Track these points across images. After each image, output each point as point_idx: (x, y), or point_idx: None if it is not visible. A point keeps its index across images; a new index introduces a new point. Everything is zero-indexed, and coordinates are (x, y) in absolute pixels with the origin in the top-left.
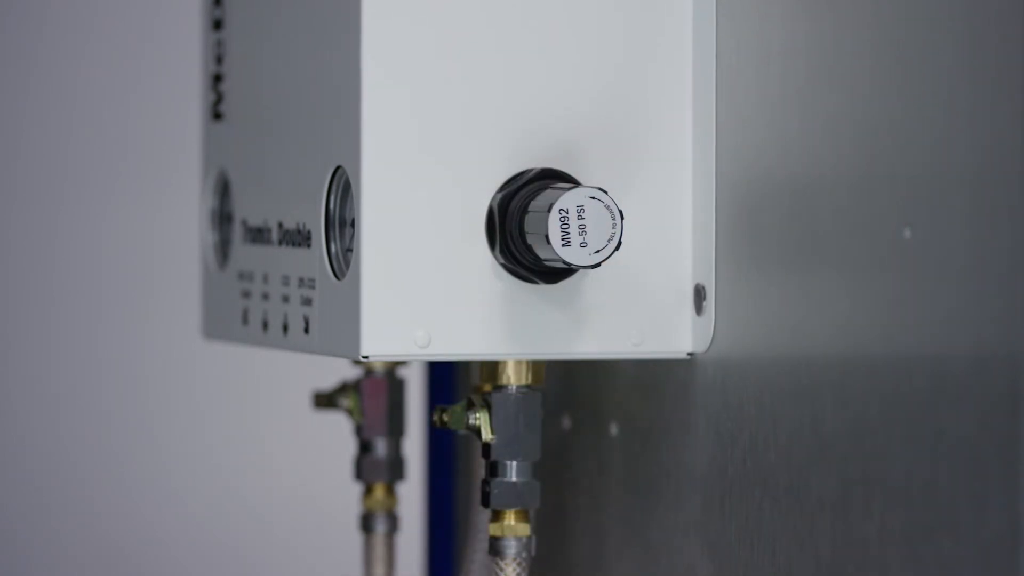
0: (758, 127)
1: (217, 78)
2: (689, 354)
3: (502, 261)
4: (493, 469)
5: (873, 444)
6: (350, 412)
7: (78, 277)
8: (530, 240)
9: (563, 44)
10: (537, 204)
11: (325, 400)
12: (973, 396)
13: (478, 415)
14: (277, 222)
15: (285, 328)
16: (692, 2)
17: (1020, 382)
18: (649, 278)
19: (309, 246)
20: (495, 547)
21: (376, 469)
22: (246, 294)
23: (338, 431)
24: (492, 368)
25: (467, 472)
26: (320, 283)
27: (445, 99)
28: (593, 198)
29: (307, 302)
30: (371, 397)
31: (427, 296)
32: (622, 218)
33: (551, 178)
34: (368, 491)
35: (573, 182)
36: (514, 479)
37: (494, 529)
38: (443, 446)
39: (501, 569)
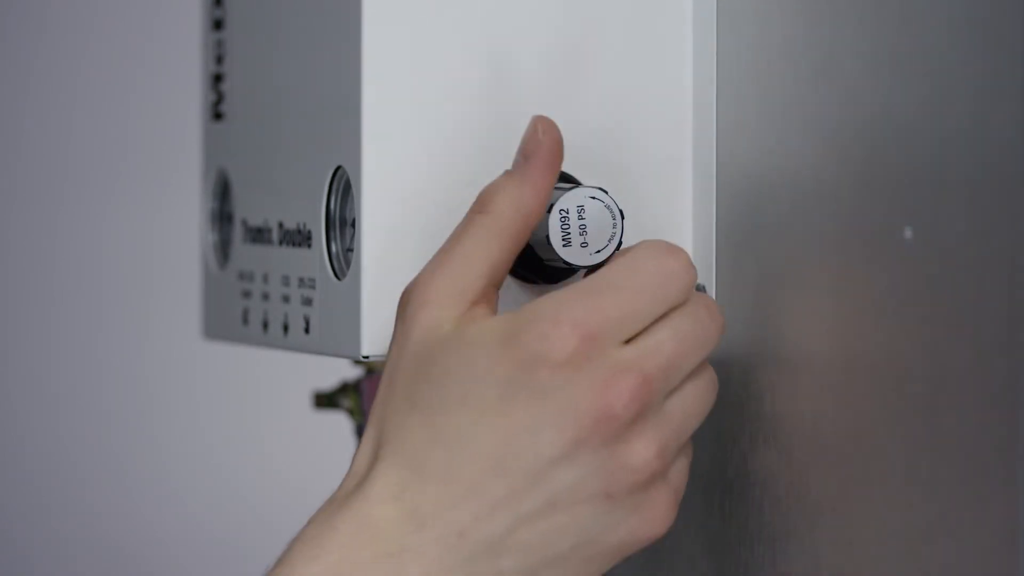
0: (758, 127)
1: (217, 78)
2: None
3: None
4: None
5: (873, 444)
6: (350, 412)
7: (78, 277)
8: (531, 240)
9: (563, 45)
10: None
11: (325, 400)
12: (973, 396)
13: None
14: (277, 222)
15: (285, 328)
16: (692, 2)
17: (1020, 382)
18: None
19: (309, 246)
20: None
21: None
22: (246, 294)
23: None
24: None
25: None
26: (320, 283)
27: (445, 99)
28: (594, 198)
29: (307, 302)
30: (371, 397)
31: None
32: (623, 218)
33: None
34: None
35: (573, 182)
36: None
37: None
38: None
39: None
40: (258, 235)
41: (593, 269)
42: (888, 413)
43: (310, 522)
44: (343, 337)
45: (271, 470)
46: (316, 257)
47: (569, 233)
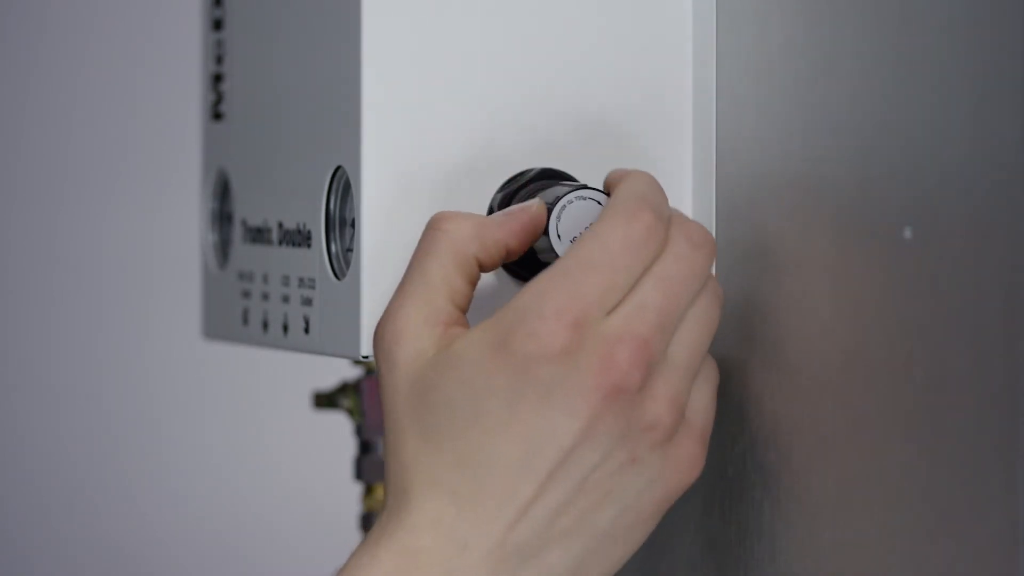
0: (758, 127)
1: (217, 78)
2: None
3: None
4: None
5: (873, 444)
6: (350, 412)
7: (78, 277)
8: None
9: (563, 45)
10: None
11: (325, 400)
12: (973, 395)
13: None
14: (277, 222)
15: (285, 328)
16: (692, 2)
17: (1020, 382)
18: None
19: (309, 246)
20: None
21: (376, 469)
22: (246, 294)
23: (338, 431)
24: None
25: None
26: (320, 283)
27: (444, 99)
28: (593, 199)
29: (307, 302)
30: (371, 397)
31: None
32: None
33: (551, 178)
34: (368, 491)
35: (573, 182)
36: None
37: None
38: None
39: None
40: (258, 235)
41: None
42: (888, 413)
43: (351, 559)
44: (343, 337)
45: (271, 470)
46: (316, 257)
47: (568, 233)
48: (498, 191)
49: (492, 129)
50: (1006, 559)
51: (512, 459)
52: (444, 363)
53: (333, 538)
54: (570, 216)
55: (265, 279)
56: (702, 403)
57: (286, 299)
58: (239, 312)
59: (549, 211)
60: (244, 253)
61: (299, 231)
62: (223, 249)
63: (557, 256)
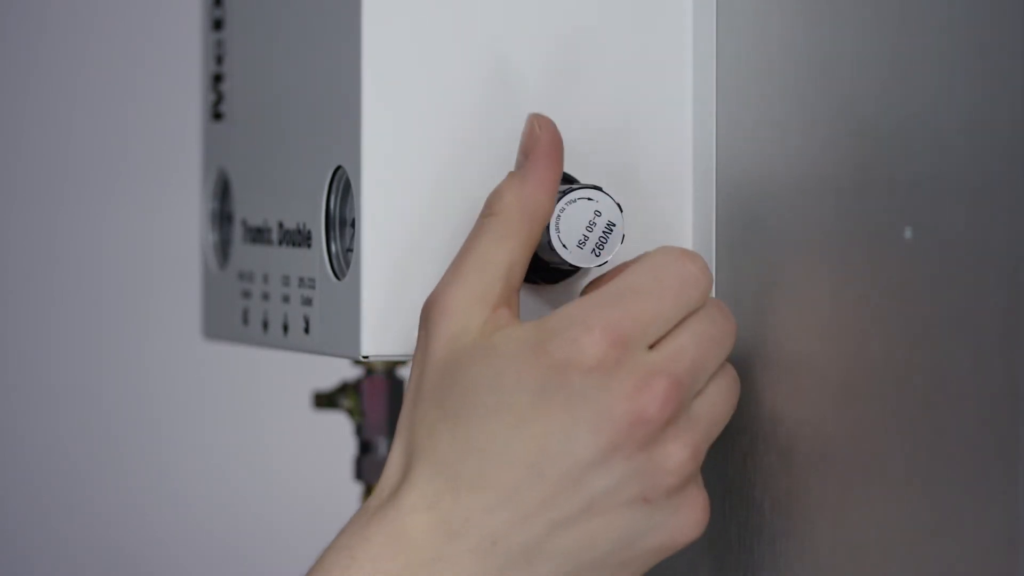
0: (758, 127)
1: (217, 78)
2: None
3: None
4: None
5: (873, 444)
6: (350, 412)
7: (78, 277)
8: None
9: (563, 45)
10: None
11: (325, 400)
12: (973, 396)
13: None
14: (277, 222)
15: (285, 328)
16: (692, 2)
17: (1020, 382)
18: None
19: (309, 246)
20: None
21: (376, 469)
22: (246, 294)
23: (338, 431)
24: None
25: None
26: (320, 283)
27: (445, 99)
28: (592, 199)
29: (307, 302)
30: (371, 397)
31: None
32: (622, 216)
33: None
34: (368, 491)
35: (573, 182)
36: None
37: None
38: None
39: None
40: (258, 235)
41: (603, 277)
42: (888, 413)
43: (342, 532)
44: (343, 337)
45: (271, 470)
46: (316, 257)
47: (569, 233)
48: None
49: (492, 129)
50: (1006, 559)
51: (523, 459)
52: (481, 350)
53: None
54: (569, 219)
55: (265, 279)
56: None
57: (286, 299)
58: (239, 312)
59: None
60: (244, 253)
61: (299, 231)
62: (223, 249)
63: (560, 259)
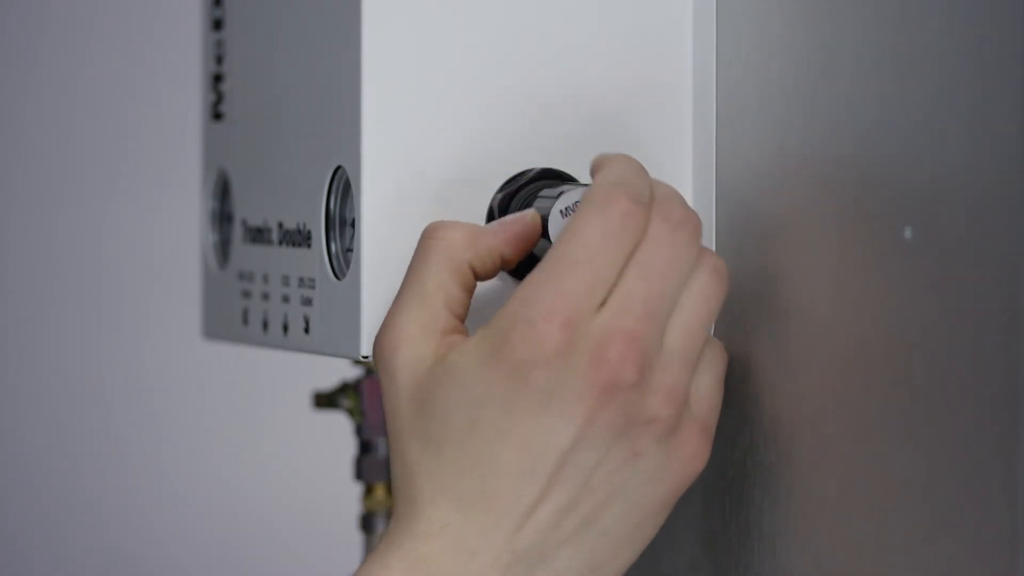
0: (758, 127)
1: (217, 78)
2: None
3: None
4: None
5: (873, 444)
6: (350, 412)
7: (78, 277)
8: None
9: (563, 45)
10: (538, 204)
11: (325, 400)
12: (973, 395)
13: None
14: (277, 222)
15: (285, 328)
16: (692, 2)
17: (1020, 382)
18: None
19: (309, 246)
20: None
21: (376, 469)
22: (246, 294)
23: (338, 431)
24: None
25: None
26: (320, 283)
27: (445, 99)
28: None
29: (307, 302)
30: (371, 397)
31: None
32: None
33: (551, 178)
34: (368, 491)
35: (573, 182)
36: None
37: None
38: None
39: None
40: (258, 235)
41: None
42: (888, 413)
43: (362, 566)
44: (343, 337)
45: (271, 470)
46: (316, 257)
47: None
48: (498, 191)
49: (492, 129)
50: (1006, 559)
51: (514, 465)
52: (441, 373)
53: (333, 538)
54: (567, 218)
55: (265, 279)
56: (705, 391)
57: (286, 299)
58: (239, 312)
59: (546, 215)
60: (244, 253)
61: (299, 231)
62: (223, 249)
63: None
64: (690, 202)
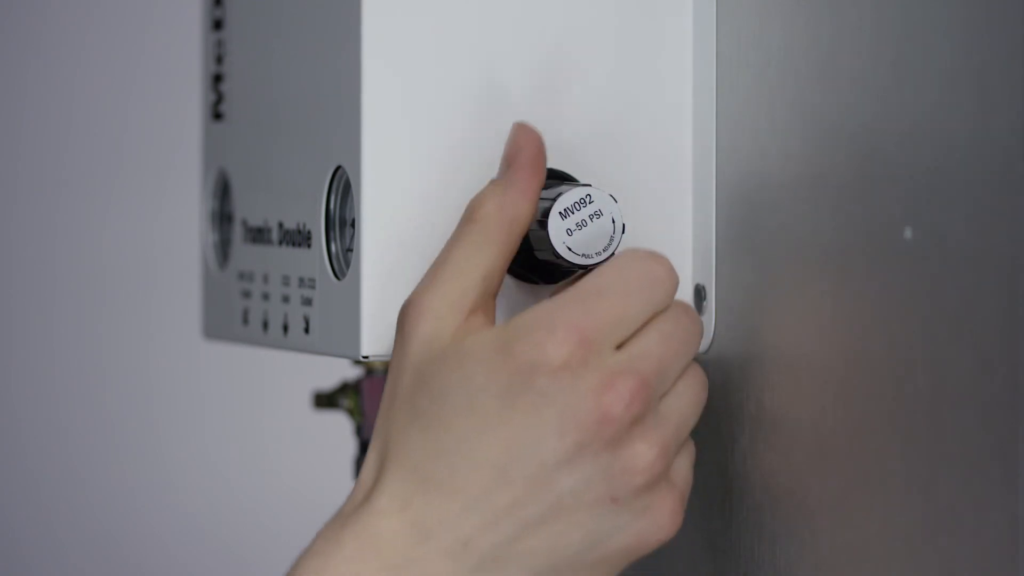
0: (758, 127)
1: (217, 78)
2: None
3: None
4: None
5: (873, 444)
6: (350, 412)
7: (78, 277)
8: (531, 240)
9: (563, 45)
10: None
11: (325, 400)
12: (973, 396)
13: None
14: (277, 222)
15: (285, 328)
16: (692, 2)
17: (1020, 382)
18: None
19: (309, 246)
20: None
21: None
22: (246, 294)
23: (338, 431)
24: None
25: None
26: (320, 283)
27: (445, 99)
28: (591, 197)
29: (307, 302)
30: (371, 397)
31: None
32: (622, 216)
33: (551, 178)
34: None
35: (573, 182)
36: None
37: None
38: None
39: None
40: (258, 235)
41: (587, 271)
42: (888, 413)
43: (318, 536)
44: (343, 337)
45: (271, 470)
46: (316, 257)
47: (568, 233)
48: None
49: (492, 129)
50: (1006, 559)
51: (492, 461)
52: (453, 354)
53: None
54: (566, 218)
55: (265, 279)
56: (683, 470)
57: (286, 299)
58: (239, 312)
59: (547, 210)
60: (244, 253)
61: (299, 231)
62: (223, 249)
63: (558, 259)
64: (690, 202)
